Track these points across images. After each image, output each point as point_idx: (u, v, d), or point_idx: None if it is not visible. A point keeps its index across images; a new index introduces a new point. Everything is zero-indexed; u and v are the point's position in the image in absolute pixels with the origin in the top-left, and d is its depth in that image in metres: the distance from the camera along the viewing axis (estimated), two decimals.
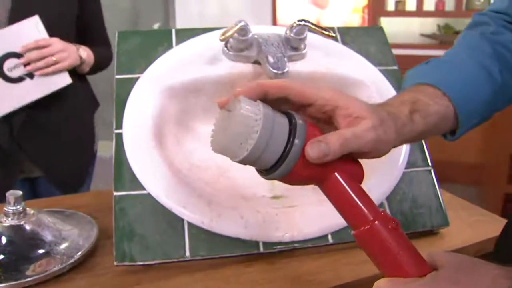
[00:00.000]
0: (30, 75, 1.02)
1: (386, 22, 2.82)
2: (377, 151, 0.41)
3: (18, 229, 0.63)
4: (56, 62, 1.02)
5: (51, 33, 1.04)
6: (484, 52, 0.51)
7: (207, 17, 2.98)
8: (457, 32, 2.75)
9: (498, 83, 0.50)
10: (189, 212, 0.62)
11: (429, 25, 2.84)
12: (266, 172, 0.39)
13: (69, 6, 1.11)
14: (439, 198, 0.72)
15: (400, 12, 2.77)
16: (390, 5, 2.83)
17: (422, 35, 2.78)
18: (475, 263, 0.36)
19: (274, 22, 3.04)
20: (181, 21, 2.97)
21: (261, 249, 0.63)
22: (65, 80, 1.05)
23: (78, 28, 1.16)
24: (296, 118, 0.38)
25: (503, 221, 0.75)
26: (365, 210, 0.39)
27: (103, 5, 1.23)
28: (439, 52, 0.55)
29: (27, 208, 0.65)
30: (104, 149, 1.34)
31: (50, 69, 1.02)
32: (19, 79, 1.01)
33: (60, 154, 1.13)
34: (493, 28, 0.54)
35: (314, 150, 0.37)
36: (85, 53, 1.12)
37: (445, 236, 0.71)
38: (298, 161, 0.37)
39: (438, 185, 0.73)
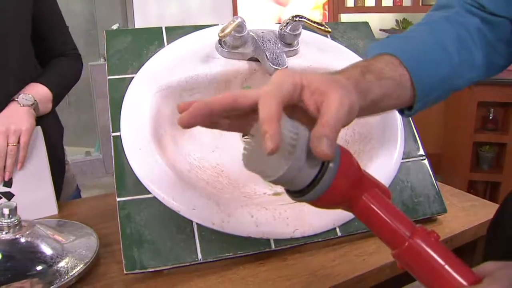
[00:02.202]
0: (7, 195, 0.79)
1: (346, 18, 2.88)
2: (349, 116, 0.39)
3: (15, 243, 0.59)
4: (18, 141, 0.79)
5: (7, 38, 0.85)
6: (444, 31, 0.52)
7: (166, 17, 2.93)
8: None
9: (456, 61, 0.50)
10: (199, 214, 0.60)
11: (388, 20, 2.92)
12: (297, 193, 0.38)
13: (25, 6, 0.90)
14: (435, 186, 0.74)
15: (359, 8, 2.84)
16: (350, 2, 2.89)
17: (382, 30, 2.86)
18: None
19: None
20: (140, 22, 2.90)
21: (273, 247, 0.62)
22: (51, 210, 0.80)
23: (35, 35, 0.94)
24: None
25: (493, 205, 0.78)
26: (401, 228, 0.37)
27: None
28: None
29: (22, 221, 0.61)
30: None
31: (22, 153, 0.79)
32: None
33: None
34: (457, 10, 0.54)
35: (324, 147, 0.35)
36: (29, 96, 0.86)
37: (443, 222, 0.73)
38: (330, 185, 0.36)
39: (433, 174, 0.75)
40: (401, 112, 0.52)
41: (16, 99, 0.85)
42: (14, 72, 0.88)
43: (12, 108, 0.83)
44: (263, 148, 0.34)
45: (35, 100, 0.87)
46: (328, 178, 0.36)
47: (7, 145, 0.79)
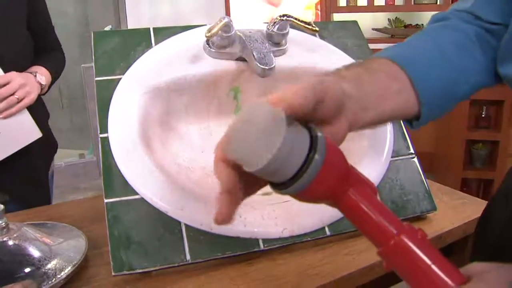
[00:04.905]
0: None
1: (338, 18, 2.88)
2: (330, 101, 0.38)
3: (2, 245, 0.59)
4: (19, 100, 0.93)
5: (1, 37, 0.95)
6: (445, 39, 0.51)
7: (159, 19, 2.93)
8: (407, 26, 2.86)
9: (457, 66, 0.49)
10: (187, 214, 0.60)
11: (380, 19, 2.92)
12: (281, 186, 0.36)
13: (18, 7, 1.01)
14: (425, 184, 0.74)
15: (352, 7, 2.84)
16: (342, 1, 2.90)
17: (374, 29, 2.86)
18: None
19: None
20: (133, 24, 2.90)
21: (261, 246, 0.62)
22: (34, 134, 0.93)
23: (31, 31, 1.07)
24: (316, 132, 0.36)
25: (484, 203, 0.78)
26: (388, 225, 0.36)
27: (52, 11, 1.15)
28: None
29: (10, 223, 0.61)
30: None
31: (14, 109, 0.92)
32: None
33: (22, 171, 1.03)
34: (455, 21, 0.55)
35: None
36: (43, 77, 1.03)
37: (433, 220, 0.73)
38: (315, 177, 0.35)
39: (422, 172, 0.75)
40: (410, 124, 0.51)
41: (34, 75, 0.99)
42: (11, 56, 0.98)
43: (31, 77, 0.99)
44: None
45: (45, 82, 1.03)
46: (313, 170, 0.35)
47: (11, 94, 0.92)
